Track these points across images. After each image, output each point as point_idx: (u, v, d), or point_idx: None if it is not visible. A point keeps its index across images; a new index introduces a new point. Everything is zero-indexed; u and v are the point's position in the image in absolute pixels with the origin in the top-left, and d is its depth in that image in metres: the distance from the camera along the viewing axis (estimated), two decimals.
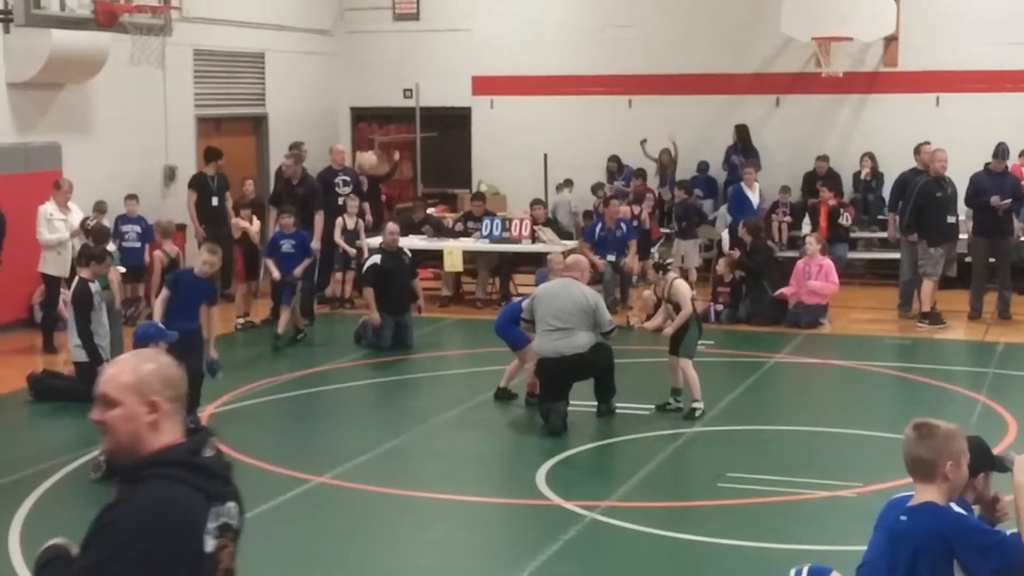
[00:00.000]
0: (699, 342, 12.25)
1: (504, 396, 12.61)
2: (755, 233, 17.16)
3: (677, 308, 12.02)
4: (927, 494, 4.79)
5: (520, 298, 13.19)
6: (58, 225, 15.52)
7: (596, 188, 20.77)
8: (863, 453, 10.78)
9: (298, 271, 15.75)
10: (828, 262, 16.62)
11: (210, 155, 18.34)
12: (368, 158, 20.06)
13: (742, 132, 20.95)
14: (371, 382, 13.90)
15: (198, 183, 18.13)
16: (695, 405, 11.85)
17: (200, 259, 11.74)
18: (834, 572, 5.28)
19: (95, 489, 9.83)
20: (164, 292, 11.60)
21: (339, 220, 17.81)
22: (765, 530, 8.85)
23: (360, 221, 18.16)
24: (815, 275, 16.40)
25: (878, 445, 10.95)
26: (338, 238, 17.75)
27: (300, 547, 8.71)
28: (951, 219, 16.47)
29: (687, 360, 11.93)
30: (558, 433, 11.28)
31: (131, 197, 17.17)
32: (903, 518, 4.81)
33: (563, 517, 9.14)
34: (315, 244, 16.76)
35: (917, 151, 17.26)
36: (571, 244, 17.64)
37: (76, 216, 15.70)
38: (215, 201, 17.91)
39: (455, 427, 11.85)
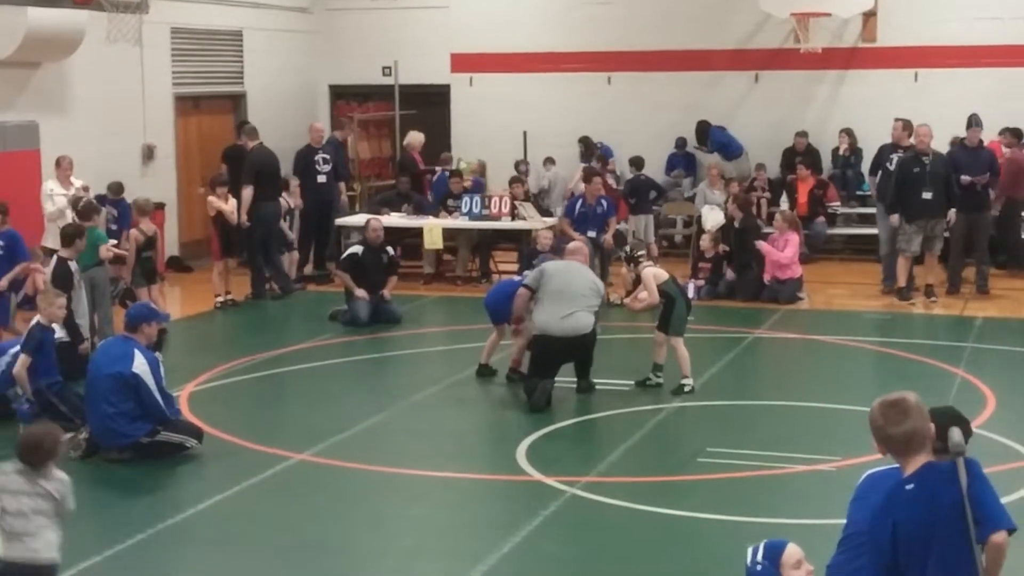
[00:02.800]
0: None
1: (485, 372, 12.61)
2: (745, 210, 17.17)
3: None
4: (923, 459, 4.76)
5: (519, 277, 13.03)
6: (59, 201, 15.59)
7: (519, 164, 20.81)
8: (842, 427, 10.81)
9: (3, 283, 13.33)
10: (794, 236, 16.61)
11: (251, 131, 17.73)
12: (416, 136, 20.04)
13: (701, 126, 20.95)
14: (351, 359, 13.88)
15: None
16: (684, 381, 11.83)
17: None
18: (791, 543, 5.25)
19: (76, 467, 9.82)
20: (24, 359, 10.38)
21: (281, 201, 17.26)
22: (745, 504, 8.89)
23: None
24: (783, 250, 16.44)
25: (857, 419, 10.93)
26: (283, 222, 17.37)
27: (281, 525, 8.72)
28: (926, 195, 16.13)
29: (678, 338, 11.94)
30: (540, 410, 11.29)
31: (117, 187, 16.73)
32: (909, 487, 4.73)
33: (544, 492, 9.16)
34: (242, 218, 16.21)
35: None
36: (552, 220, 17.61)
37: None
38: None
39: (436, 404, 11.86)
